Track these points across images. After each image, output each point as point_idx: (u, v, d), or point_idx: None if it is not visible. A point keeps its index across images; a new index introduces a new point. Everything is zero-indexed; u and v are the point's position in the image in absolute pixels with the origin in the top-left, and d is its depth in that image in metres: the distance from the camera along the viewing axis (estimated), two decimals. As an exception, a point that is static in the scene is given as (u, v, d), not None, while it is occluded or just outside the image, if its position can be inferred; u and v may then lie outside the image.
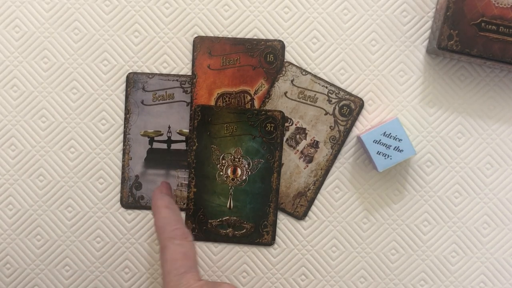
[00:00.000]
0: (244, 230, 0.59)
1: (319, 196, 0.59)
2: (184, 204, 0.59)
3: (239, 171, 0.59)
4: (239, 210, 0.59)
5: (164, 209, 0.53)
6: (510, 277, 0.59)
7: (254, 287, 0.59)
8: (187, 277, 0.49)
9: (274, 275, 0.60)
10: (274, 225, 0.59)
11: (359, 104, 0.59)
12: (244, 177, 0.59)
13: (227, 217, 0.59)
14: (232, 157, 0.59)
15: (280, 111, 0.58)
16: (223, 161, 0.59)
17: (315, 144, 0.59)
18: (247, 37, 0.59)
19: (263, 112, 0.58)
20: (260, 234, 0.59)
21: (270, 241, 0.59)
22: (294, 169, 0.59)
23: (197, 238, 0.59)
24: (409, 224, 0.59)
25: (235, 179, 0.59)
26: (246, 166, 0.59)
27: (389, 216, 0.59)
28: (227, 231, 0.59)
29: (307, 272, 0.59)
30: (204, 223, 0.59)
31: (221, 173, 0.59)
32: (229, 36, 0.59)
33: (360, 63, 0.59)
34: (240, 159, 0.59)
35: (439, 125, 0.59)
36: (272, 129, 0.58)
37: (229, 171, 0.59)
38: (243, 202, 0.59)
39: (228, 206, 0.59)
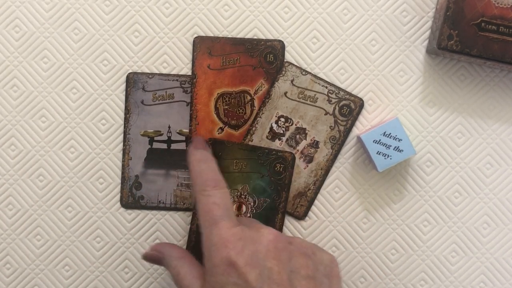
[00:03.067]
0: None
1: (319, 196, 0.59)
2: (184, 204, 0.59)
3: (244, 208, 0.59)
4: None
5: (196, 163, 0.52)
6: (510, 277, 0.59)
7: None
8: (218, 226, 0.48)
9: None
10: None
11: (359, 104, 0.59)
12: (248, 215, 0.59)
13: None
14: (239, 193, 0.59)
15: (291, 153, 0.58)
16: None
17: (315, 144, 0.59)
18: (247, 37, 0.59)
19: (273, 152, 0.58)
20: None
21: None
22: (294, 169, 0.59)
23: None
24: (409, 224, 0.59)
25: (240, 215, 0.59)
26: (252, 203, 0.59)
27: (389, 216, 0.59)
28: None
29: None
30: None
31: None
32: (229, 36, 0.59)
33: (360, 63, 0.59)
34: (246, 196, 0.59)
35: (439, 125, 0.59)
36: (281, 170, 0.58)
37: (234, 207, 0.59)
38: None
39: None
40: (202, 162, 0.53)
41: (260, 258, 0.46)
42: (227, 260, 0.46)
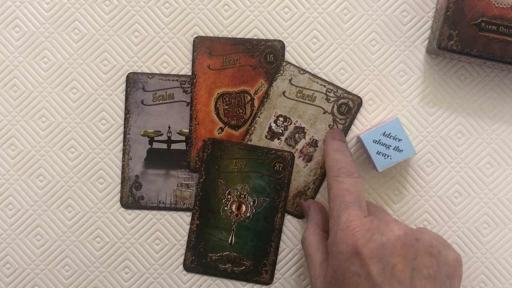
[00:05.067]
0: (243, 267, 0.59)
1: (319, 196, 0.59)
2: (184, 204, 0.59)
3: (243, 208, 0.59)
4: (240, 246, 0.59)
5: (333, 152, 0.54)
6: (510, 277, 0.59)
7: None
8: (348, 212, 0.49)
9: (275, 276, 0.60)
10: (273, 265, 0.59)
11: (358, 102, 0.59)
12: (248, 214, 0.59)
13: (228, 253, 0.59)
14: (238, 193, 0.59)
15: (290, 152, 0.58)
16: (229, 196, 0.59)
17: (314, 143, 0.59)
18: (247, 37, 0.59)
19: (273, 152, 0.58)
20: (259, 272, 0.59)
21: (268, 281, 0.59)
22: (293, 168, 0.59)
23: (196, 271, 0.59)
24: (409, 224, 0.59)
25: (239, 215, 0.59)
26: (251, 203, 0.59)
27: (389, 216, 0.59)
28: (226, 266, 0.59)
29: (307, 272, 0.59)
30: (204, 256, 0.59)
31: (226, 208, 0.59)
32: (229, 36, 0.59)
33: (360, 63, 0.59)
34: (246, 196, 0.59)
35: (439, 125, 0.59)
36: (280, 169, 0.58)
37: (233, 207, 0.59)
38: (244, 239, 0.59)
39: (229, 241, 0.59)
40: (339, 152, 0.54)
41: (386, 253, 0.47)
42: (353, 248, 0.47)
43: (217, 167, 0.59)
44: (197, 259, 0.59)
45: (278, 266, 0.59)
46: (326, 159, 0.54)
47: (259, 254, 0.59)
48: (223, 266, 0.59)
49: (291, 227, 0.59)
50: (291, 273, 0.59)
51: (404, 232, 0.48)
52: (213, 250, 0.59)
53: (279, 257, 0.59)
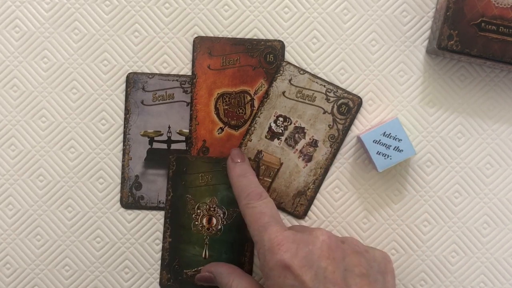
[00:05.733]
0: None
1: (319, 196, 0.59)
2: (184, 204, 0.59)
3: (214, 221, 0.59)
4: (215, 259, 0.59)
5: (236, 179, 0.54)
6: (510, 277, 0.59)
7: None
8: (268, 232, 0.49)
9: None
10: (250, 274, 0.59)
11: (357, 102, 0.59)
12: (219, 227, 0.59)
13: (203, 267, 0.58)
14: (207, 206, 0.59)
15: (254, 160, 0.59)
16: (198, 211, 0.59)
17: (314, 143, 0.59)
18: (247, 37, 0.59)
19: None
20: None
21: None
22: (293, 168, 0.59)
23: None
24: (409, 224, 0.59)
25: (210, 228, 0.59)
26: (222, 215, 0.59)
27: (389, 216, 0.59)
28: None
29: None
30: (180, 273, 0.59)
31: (196, 222, 0.59)
32: (229, 36, 0.59)
33: (360, 63, 0.59)
34: (216, 209, 0.59)
35: (439, 125, 0.59)
36: None
37: (204, 221, 0.59)
38: (218, 252, 0.59)
39: (203, 255, 0.59)
40: (242, 177, 0.54)
41: (314, 259, 0.47)
42: (282, 263, 0.47)
43: (184, 182, 0.59)
44: (173, 276, 0.59)
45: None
46: (232, 186, 0.55)
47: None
48: None
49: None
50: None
51: (328, 236, 0.48)
52: (188, 266, 0.59)
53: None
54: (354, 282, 0.47)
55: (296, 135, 0.59)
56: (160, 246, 0.59)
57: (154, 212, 0.59)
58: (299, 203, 0.59)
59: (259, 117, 0.59)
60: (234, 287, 0.52)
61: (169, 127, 0.59)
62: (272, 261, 0.48)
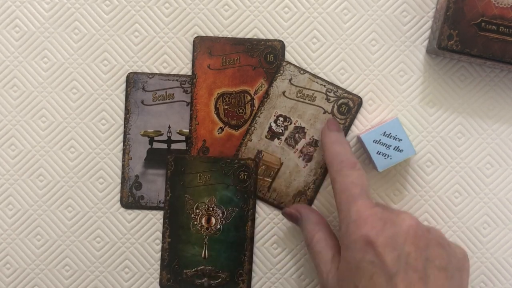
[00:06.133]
0: (220, 279, 0.59)
1: (319, 196, 0.59)
2: (183, 204, 0.59)
3: (213, 220, 0.59)
4: (214, 259, 0.59)
5: (330, 145, 0.53)
6: (510, 277, 0.59)
7: None
8: (357, 204, 0.48)
9: (274, 275, 0.59)
10: (249, 273, 0.59)
11: (358, 102, 0.59)
12: (218, 226, 0.59)
13: (202, 267, 0.58)
14: (206, 206, 0.59)
15: (253, 160, 0.59)
16: (197, 211, 0.59)
17: (314, 143, 0.59)
18: (247, 37, 0.59)
19: (236, 161, 0.58)
20: (235, 283, 0.59)
21: None
22: (293, 168, 0.59)
23: None
24: (409, 224, 0.59)
25: (210, 228, 0.59)
26: (220, 215, 0.59)
27: (389, 216, 0.59)
28: (203, 281, 0.59)
29: (307, 272, 0.59)
30: (179, 273, 0.59)
31: (195, 222, 0.59)
32: (229, 36, 0.59)
33: (360, 63, 0.59)
34: (214, 208, 0.59)
35: (439, 125, 0.59)
36: (245, 178, 0.59)
37: (203, 221, 0.59)
38: (218, 251, 0.59)
39: (203, 255, 0.59)
40: (337, 144, 0.53)
41: (399, 241, 0.46)
42: (366, 238, 0.46)
43: (182, 182, 0.59)
44: (173, 276, 0.59)
45: (278, 266, 0.59)
46: (325, 153, 0.54)
47: (234, 265, 0.59)
48: (200, 281, 0.59)
49: (291, 226, 0.59)
50: (291, 273, 0.59)
51: (415, 222, 0.47)
52: (187, 266, 0.59)
53: (279, 257, 0.59)
54: (433, 274, 0.46)
55: (296, 135, 0.59)
56: (160, 246, 0.59)
57: (154, 212, 0.59)
58: (299, 203, 0.59)
59: (259, 117, 0.59)
60: (316, 239, 0.52)
61: (169, 127, 0.59)
62: (356, 234, 0.47)
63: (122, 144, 0.59)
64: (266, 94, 0.59)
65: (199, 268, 0.59)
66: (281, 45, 0.59)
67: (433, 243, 0.47)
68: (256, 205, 0.59)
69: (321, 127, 0.58)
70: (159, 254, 0.59)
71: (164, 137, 0.59)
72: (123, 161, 0.59)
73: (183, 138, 0.59)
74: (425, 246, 0.47)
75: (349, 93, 0.59)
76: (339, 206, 0.50)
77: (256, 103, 0.59)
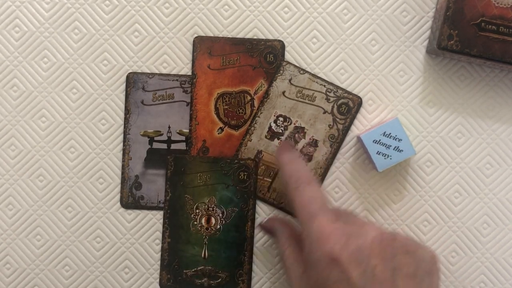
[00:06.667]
0: (220, 280, 0.59)
1: (319, 196, 0.59)
2: (183, 204, 0.59)
3: (213, 220, 0.59)
4: (214, 259, 0.59)
5: (285, 166, 0.52)
6: (510, 277, 0.59)
7: None
8: (318, 220, 0.47)
9: (274, 275, 0.59)
10: (249, 273, 0.59)
11: (357, 102, 0.59)
12: (218, 226, 0.59)
13: (202, 267, 0.58)
14: (206, 206, 0.59)
15: (253, 160, 0.59)
16: (197, 211, 0.59)
17: (314, 143, 0.59)
18: (247, 37, 0.59)
19: (236, 161, 0.58)
20: (235, 283, 0.59)
21: None
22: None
23: None
24: (409, 224, 0.59)
25: (209, 228, 0.59)
26: (220, 215, 0.59)
27: (389, 216, 0.59)
28: (203, 281, 0.59)
29: (307, 272, 0.59)
30: (179, 273, 0.59)
31: (195, 222, 0.59)
32: (229, 36, 0.59)
33: (360, 63, 0.59)
34: (214, 208, 0.59)
35: (439, 125, 0.59)
36: (245, 178, 0.59)
37: (203, 221, 0.59)
38: (218, 251, 0.59)
39: (203, 255, 0.59)
40: (292, 163, 0.53)
41: (364, 255, 0.45)
42: (330, 255, 0.45)
43: (182, 182, 0.59)
44: (173, 277, 0.59)
45: (278, 266, 0.59)
46: (282, 174, 0.53)
47: (234, 265, 0.59)
48: (200, 281, 0.59)
49: (291, 227, 0.59)
50: (291, 273, 0.60)
51: (379, 232, 0.47)
52: (187, 266, 0.59)
53: (279, 257, 0.59)
54: (402, 283, 0.45)
55: (296, 135, 0.59)
56: (160, 246, 0.59)
57: (154, 212, 0.59)
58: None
59: (259, 117, 0.59)
60: (287, 254, 0.51)
61: (169, 127, 0.59)
62: (319, 252, 0.46)
63: (122, 144, 0.59)
64: (266, 94, 0.59)
65: (199, 268, 0.59)
66: (281, 45, 0.59)
67: (400, 251, 0.46)
68: (256, 205, 0.59)
69: (321, 127, 0.58)
70: (159, 254, 0.59)
71: (164, 137, 0.59)
72: (123, 161, 0.59)
73: (183, 138, 0.59)
74: (391, 255, 0.46)
75: (349, 93, 0.59)
76: (301, 225, 0.49)
77: (256, 103, 0.59)
